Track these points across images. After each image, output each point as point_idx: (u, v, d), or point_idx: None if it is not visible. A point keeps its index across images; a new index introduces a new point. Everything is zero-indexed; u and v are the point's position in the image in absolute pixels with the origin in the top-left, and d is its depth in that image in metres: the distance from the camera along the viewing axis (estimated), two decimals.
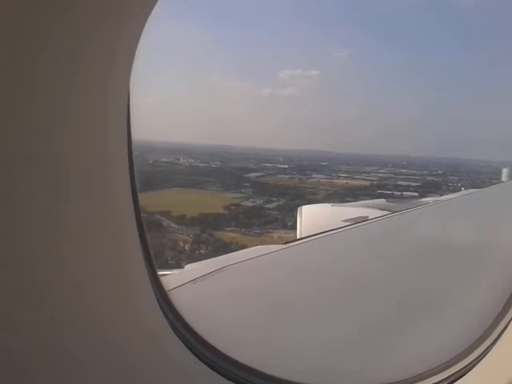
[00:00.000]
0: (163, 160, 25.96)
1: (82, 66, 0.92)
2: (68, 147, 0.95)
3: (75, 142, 0.96)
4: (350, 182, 24.88)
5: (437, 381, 1.46)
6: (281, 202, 21.76)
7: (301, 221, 6.30)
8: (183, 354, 1.33)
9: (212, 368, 1.38)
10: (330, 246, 4.89)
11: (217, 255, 4.67)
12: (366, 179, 25.30)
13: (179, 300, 1.40)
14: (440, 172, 25.23)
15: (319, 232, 5.08)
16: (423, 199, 9.67)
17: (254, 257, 3.95)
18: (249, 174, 25.34)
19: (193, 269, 3.63)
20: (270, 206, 21.19)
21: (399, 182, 24.22)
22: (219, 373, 1.38)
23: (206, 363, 1.37)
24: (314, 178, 25.56)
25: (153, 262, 1.25)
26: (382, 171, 26.13)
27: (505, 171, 17.43)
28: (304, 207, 6.72)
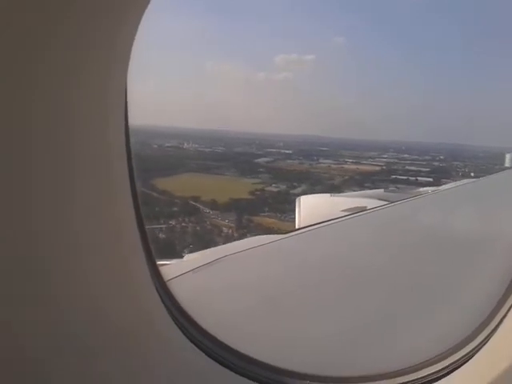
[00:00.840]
0: (167, 145, 25.97)
1: (80, 58, 0.91)
2: (66, 141, 0.95)
3: (73, 135, 0.96)
4: (359, 167, 24.95)
5: (438, 369, 1.46)
6: (304, 188, 21.92)
7: (299, 211, 6.31)
8: (182, 343, 1.34)
9: (210, 356, 1.38)
10: (329, 236, 4.90)
11: None
12: (373, 164, 25.40)
13: (178, 290, 1.39)
14: (442, 157, 25.35)
15: (318, 222, 5.09)
16: (422, 189, 9.68)
17: (253, 247, 3.95)
18: (258, 160, 25.59)
19: (192, 258, 3.64)
20: (295, 191, 21.29)
21: (407, 167, 24.27)
22: (217, 361, 1.39)
23: (204, 352, 1.38)
24: (323, 163, 25.67)
25: (152, 252, 1.25)
26: (385, 156, 26.22)
27: (508, 156, 17.33)
28: (303, 197, 6.73)
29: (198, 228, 19.83)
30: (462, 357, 1.44)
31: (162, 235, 18.42)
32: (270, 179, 23.39)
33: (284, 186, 22.70)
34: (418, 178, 22.17)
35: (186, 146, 26.16)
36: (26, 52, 0.83)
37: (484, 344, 1.42)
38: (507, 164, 17.27)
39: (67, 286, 1.02)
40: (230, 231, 18.84)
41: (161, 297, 1.28)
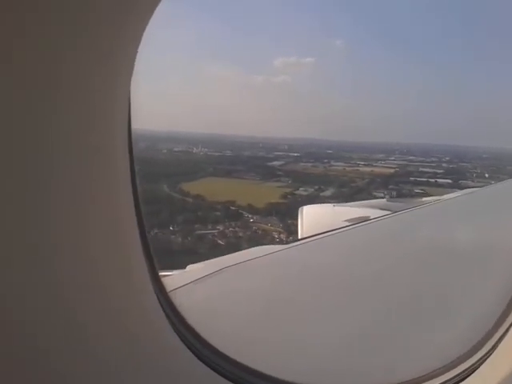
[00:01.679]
0: (176, 149, 26.11)
1: (85, 62, 0.92)
2: (69, 145, 0.95)
3: (76, 138, 0.96)
4: (374, 169, 24.89)
5: (444, 380, 1.45)
6: (333, 191, 21.88)
7: (302, 221, 6.29)
8: (183, 353, 1.33)
9: (211, 367, 1.38)
10: (331, 246, 4.88)
11: None
12: (386, 166, 25.37)
13: (180, 300, 1.39)
14: (447, 159, 25.31)
15: (321, 232, 5.07)
16: (425, 198, 9.64)
17: (255, 257, 3.94)
18: (272, 163, 25.68)
19: (194, 269, 3.63)
20: (325, 194, 21.19)
21: (421, 169, 24.16)
22: (218, 372, 1.39)
23: (205, 362, 1.37)
24: (336, 165, 25.70)
25: (154, 263, 1.25)
26: (392, 158, 26.19)
27: None
28: (305, 207, 6.71)
29: (248, 233, 19.77)
30: (466, 369, 1.43)
31: (219, 241, 18.43)
32: (293, 182, 23.35)
33: (312, 190, 22.73)
34: (438, 180, 22.08)
35: (195, 150, 26.31)
36: (27, 48, 0.84)
37: (488, 356, 1.40)
38: None
39: (67, 292, 1.02)
40: (282, 236, 18.68)
41: (162, 307, 1.28)
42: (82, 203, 1.00)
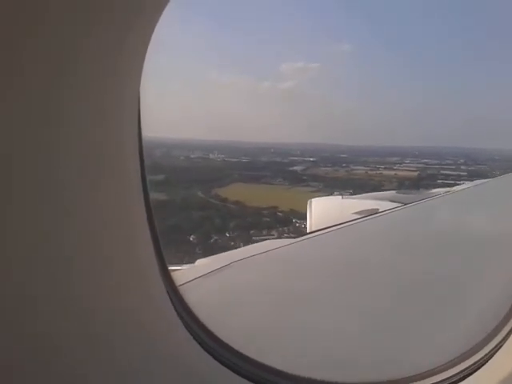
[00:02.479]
0: (193, 156, 26.34)
1: (93, 65, 0.93)
2: (80, 144, 0.96)
3: (88, 138, 0.97)
4: (397, 173, 24.70)
5: (452, 374, 1.44)
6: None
7: (311, 214, 6.27)
8: (193, 347, 1.34)
9: (219, 361, 1.39)
10: (340, 239, 4.86)
11: None
12: (407, 170, 25.17)
13: (190, 294, 1.40)
14: (462, 161, 25.05)
15: (330, 225, 5.05)
16: (434, 190, 9.54)
17: (264, 251, 3.94)
18: (293, 168, 25.57)
19: (203, 264, 3.65)
20: None
21: (442, 172, 23.83)
22: (226, 365, 1.40)
23: (214, 357, 1.38)
24: (357, 169, 25.59)
25: (163, 257, 1.26)
26: (407, 161, 26.00)
27: None
28: (314, 200, 6.69)
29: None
30: (475, 363, 1.42)
31: None
32: (324, 187, 23.16)
33: (347, 194, 22.89)
34: (465, 182, 22.05)
35: (211, 156, 26.47)
36: (42, 57, 0.85)
37: (498, 349, 1.39)
38: None
39: (79, 289, 1.04)
40: None
41: (172, 302, 1.29)
42: (94, 202, 1.01)
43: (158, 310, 1.25)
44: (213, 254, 4.13)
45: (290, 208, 20.36)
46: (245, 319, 2.46)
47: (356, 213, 6.04)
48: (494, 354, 1.40)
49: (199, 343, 1.35)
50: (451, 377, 1.44)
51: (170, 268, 1.32)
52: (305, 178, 24.42)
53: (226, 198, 21.47)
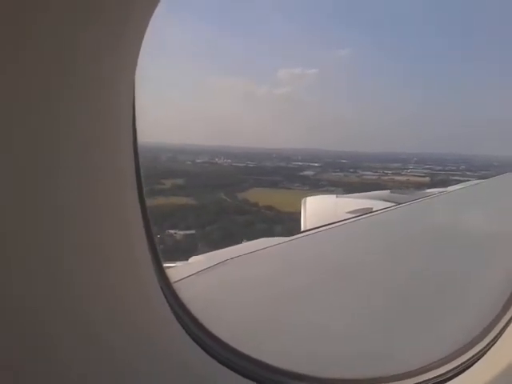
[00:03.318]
0: (198, 161, 26.45)
1: (86, 67, 0.92)
2: (75, 141, 0.96)
3: (82, 136, 0.97)
4: (410, 178, 24.90)
5: (447, 370, 1.45)
6: None
7: (305, 212, 6.29)
8: (186, 343, 1.35)
9: (214, 357, 1.40)
10: (334, 238, 4.89)
11: None
12: (417, 175, 25.38)
13: (184, 291, 1.41)
14: (464, 167, 25.31)
15: (323, 224, 5.07)
16: (428, 190, 9.61)
17: (258, 249, 3.95)
18: (303, 173, 25.98)
19: (197, 261, 3.65)
20: None
21: (452, 177, 23.93)
22: (220, 361, 1.41)
23: (207, 352, 1.39)
24: (366, 174, 25.80)
25: (158, 255, 1.26)
26: (411, 167, 26.22)
27: None
28: (308, 198, 6.71)
29: None
30: (471, 357, 1.44)
31: None
32: (343, 192, 23.20)
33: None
34: None
35: (218, 161, 26.57)
36: (35, 56, 0.85)
37: (494, 343, 1.41)
38: None
39: (73, 287, 1.03)
40: None
41: (166, 298, 1.29)
42: (88, 199, 1.01)
43: (153, 306, 1.25)
44: None
45: None
46: (239, 316, 2.47)
47: (350, 212, 6.07)
48: (488, 350, 1.41)
49: (193, 339, 1.36)
50: (446, 373, 1.45)
51: (164, 265, 1.32)
52: (322, 183, 24.61)
53: (256, 203, 21.48)
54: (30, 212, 0.92)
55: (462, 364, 1.45)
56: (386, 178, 25.08)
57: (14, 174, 0.89)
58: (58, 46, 0.87)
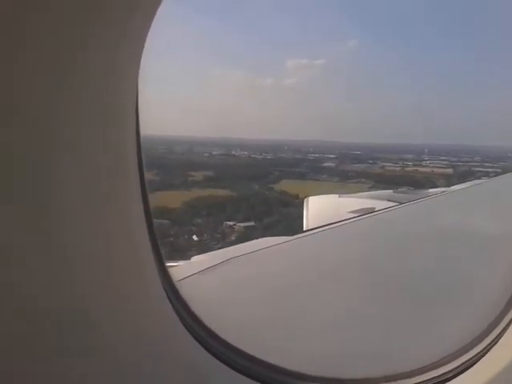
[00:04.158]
0: (215, 153, 26.40)
1: (86, 67, 0.93)
2: (78, 143, 0.96)
3: (85, 137, 0.97)
4: (434, 170, 24.45)
5: (449, 369, 1.46)
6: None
7: (307, 212, 6.28)
8: (188, 343, 1.35)
9: (216, 356, 1.41)
10: (337, 238, 4.88)
11: None
12: (440, 167, 24.94)
13: (187, 290, 1.41)
14: (479, 158, 24.83)
15: (326, 224, 5.06)
16: (430, 190, 9.58)
17: (260, 248, 3.95)
18: (324, 164, 25.88)
19: (199, 260, 3.66)
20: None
21: (474, 169, 23.46)
22: (223, 361, 1.41)
23: (210, 352, 1.39)
24: (388, 165, 25.49)
25: (161, 254, 1.27)
26: (426, 158, 25.81)
27: None
28: (310, 198, 6.70)
29: None
30: (473, 356, 1.44)
31: None
32: (376, 183, 22.57)
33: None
34: None
35: (235, 153, 26.54)
36: (37, 57, 0.85)
37: (492, 346, 1.41)
38: None
39: (77, 288, 1.04)
40: None
41: (169, 297, 1.30)
42: (90, 198, 1.02)
43: (155, 306, 1.26)
44: None
45: None
46: (242, 315, 2.47)
47: (352, 211, 6.06)
48: (488, 350, 1.42)
49: (196, 339, 1.36)
50: (446, 373, 1.46)
51: (166, 264, 1.33)
52: (351, 174, 24.33)
53: (297, 195, 21.26)
54: (32, 212, 0.93)
55: (462, 364, 1.45)
56: (409, 169, 24.63)
57: (15, 174, 0.89)
58: (58, 46, 0.87)
